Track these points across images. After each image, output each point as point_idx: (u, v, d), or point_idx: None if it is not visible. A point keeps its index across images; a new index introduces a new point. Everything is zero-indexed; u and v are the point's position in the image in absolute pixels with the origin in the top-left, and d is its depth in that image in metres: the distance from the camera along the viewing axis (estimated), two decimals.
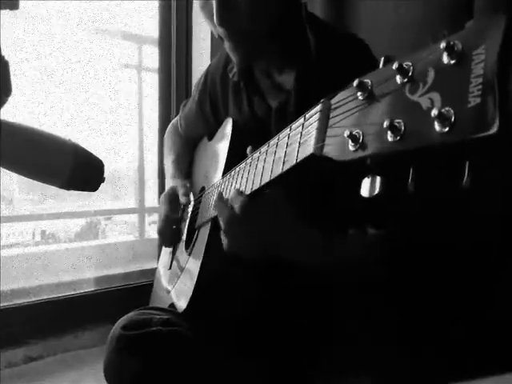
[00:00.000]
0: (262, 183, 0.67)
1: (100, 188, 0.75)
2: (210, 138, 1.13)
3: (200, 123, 1.19)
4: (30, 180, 0.71)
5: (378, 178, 0.44)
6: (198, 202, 1.08)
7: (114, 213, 2.11)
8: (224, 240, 0.76)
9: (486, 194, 0.66)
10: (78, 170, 0.69)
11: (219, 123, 1.08)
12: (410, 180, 0.41)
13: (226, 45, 0.87)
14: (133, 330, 0.84)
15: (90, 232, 2.02)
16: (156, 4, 1.76)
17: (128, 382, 0.83)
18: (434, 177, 0.41)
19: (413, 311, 0.95)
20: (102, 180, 0.75)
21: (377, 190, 0.44)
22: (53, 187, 0.71)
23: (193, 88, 1.27)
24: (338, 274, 0.82)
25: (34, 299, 1.52)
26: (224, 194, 0.83)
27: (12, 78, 0.60)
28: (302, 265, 0.79)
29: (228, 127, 0.98)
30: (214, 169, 1.00)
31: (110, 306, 1.51)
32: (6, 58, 0.59)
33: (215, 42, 1.68)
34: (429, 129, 0.37)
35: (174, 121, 1.36)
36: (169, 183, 1.23)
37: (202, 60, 1.74)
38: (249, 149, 0.75)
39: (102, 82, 1.79)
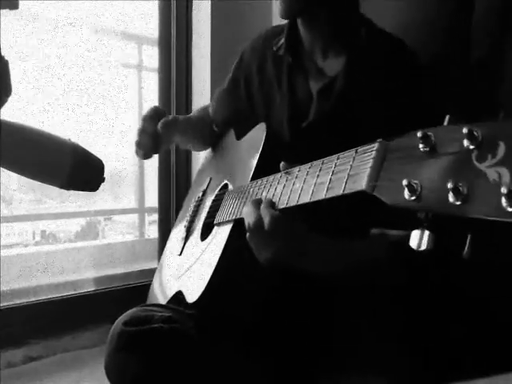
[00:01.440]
0: (300, 202, 0.67)
1: (100, 188, 0.75)
2: (239, 137, 1.14)
3: (231, 101, 1.18)
4: (30, 180, 0.71)
5: (427, 233, 0.45)
6: (219, 197, 1.08)
7: (114, 213, 2.11)
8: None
9: None
10: (78, 169, 0.69)
11: (251, 105, 1.09)
12: (466, 247, 0.42)
13: None
14: (134, 326, 0.84)
15: (90, 232, 2.02)
16: (156, 4, 1.76)
17: (129, 379, 0.83)
18: (492, 250, 0.41)
19: (416, 310, 0.95)
20: (102, 180, 0.75)
21: (424, 246, 0.45)
22: (53, 187, 0.71)
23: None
24: (348, 277, 0.82)
25: (33, 299, 1.52)
26: None
27: (12, 77, 0.60)
28: (315, 274, 0.80)
29: (261, 131, 0.98)
30: (242, 171, 1.00)
31: (110, 305, 1.51)
32: (6, 57, 0.59)
33: (215, 42, 1.68)
34: (495, 202, 0.38)
35: (207, 105, 1.36)
36: None
37: (201, 60, 1.74)
38: (282, 164, 0.76)
39: (102, 82, 1.79)
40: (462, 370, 0.89)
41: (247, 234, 0.77)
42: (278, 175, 0.77)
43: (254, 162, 0.94)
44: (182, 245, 1.18)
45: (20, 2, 0.62)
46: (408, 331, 0.92)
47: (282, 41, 1.01)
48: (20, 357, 1.44)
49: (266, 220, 0.72)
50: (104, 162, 0.75)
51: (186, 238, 1.17)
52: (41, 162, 0.69)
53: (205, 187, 1.23)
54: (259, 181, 0.85)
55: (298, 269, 0.78)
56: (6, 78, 0.59)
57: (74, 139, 0.71)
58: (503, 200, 0.37)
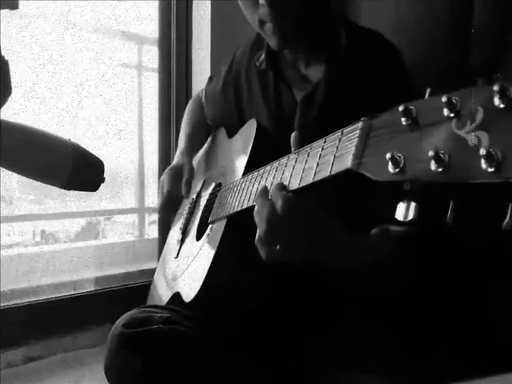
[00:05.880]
0: (292, 188, 0.66)
1: (100, 188, 0.75)
2: (230, 135, 1.14)
3: (221, 109, 1.19)
4: (30, 180, 0.71)
5: (413, 204, 0.46)
6: (213, 196, 1.09)
7: (114, 213, 2.11)
8: (262, 247, 0.67)
9: None
10: (78, 170, 0.69)
11: (240, 112, 1.09)
12: (449, 213, 0.42)
13: (267, 27, 0.88)
14: (134, 327, 0.84)
15: (90, 232, 2.02)
16: (156, 4, 1.76)
17: (128, 380, 0.84)
18: (474, 214, 0.42)
19: (417, 310, 0.95)
20: (102, 180, 0.75)
21: (411, 216, 0.46)
22: (53, 187, 0.71)
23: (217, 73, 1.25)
24: (354, 276, 0.80)
25: (33, 299, 1.52)
26: (246, 195, 0.82)
27: (12, 78, 0.60)
28: (335, 268, 0.75)
29: (252, 128, 0.99)
30: (234, 168, 1.01)
31: (110, 305, 1.51)
32: (6, 57, 0.59)
33: (215, 42, 1.68)
34: (474, 165, 0.39)
35: (198, 92, 1.36)
36: (178, 155, 1.23)
37: (201, 60, 1.74)
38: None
39: (102, 82, 1.79)
40: (462, 370, 0.89)
41: (259, 235, 0.67)
42: (268, 167, 0.76)
43: (246, 157, 0.94)
44: (178, 247, 1.18)
45: (20, 2, 0.62)
46: (408, 331, 0.92)
47: (263, 56, 1.01)
48: (20, 357, 1.44)
49: (279, 204, 0.64)
50: (104, 162, 0.75)
51: (182, 241, 1.17)
52: (41, 163, 0.69)
53: (198, 189, 1.23)
54: (250, 175, 0.84)
55: (314, 260, 0.71)
56: (6, 78, 0.59)
57: (74, 139, 0.71)
58: (482, 161, 0.38)
